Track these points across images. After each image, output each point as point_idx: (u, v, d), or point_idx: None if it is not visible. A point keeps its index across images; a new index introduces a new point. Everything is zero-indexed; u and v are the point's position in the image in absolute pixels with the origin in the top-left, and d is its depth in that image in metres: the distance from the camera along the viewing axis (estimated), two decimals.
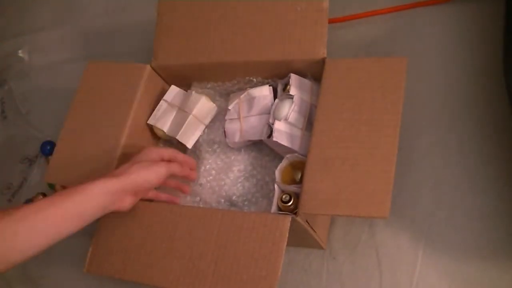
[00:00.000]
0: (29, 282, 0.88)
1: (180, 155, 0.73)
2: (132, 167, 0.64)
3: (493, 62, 0.72)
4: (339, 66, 0.67)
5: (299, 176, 0.67)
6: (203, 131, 0.79)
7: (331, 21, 0.74)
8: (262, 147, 0.77)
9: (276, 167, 0.69)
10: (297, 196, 0.65)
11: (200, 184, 0.77)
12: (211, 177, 0.77)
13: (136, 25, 1.05)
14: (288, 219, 0.60)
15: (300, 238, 0.67)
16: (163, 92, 0.81)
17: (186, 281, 0.62)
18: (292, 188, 0.65)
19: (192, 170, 0.75)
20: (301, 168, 0.67)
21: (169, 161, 0.70)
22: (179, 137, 0.77)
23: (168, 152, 0.71)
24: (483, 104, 0.72)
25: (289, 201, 0.64)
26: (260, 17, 0.74)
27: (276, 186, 0.67)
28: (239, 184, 0.75)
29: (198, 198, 0.76)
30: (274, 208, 0.66)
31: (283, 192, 0.66)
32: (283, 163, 0.69)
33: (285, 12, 0.72)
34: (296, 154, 0.68)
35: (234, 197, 0.74)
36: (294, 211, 0.64)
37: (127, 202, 0.65)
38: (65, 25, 1.15)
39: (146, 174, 0.65)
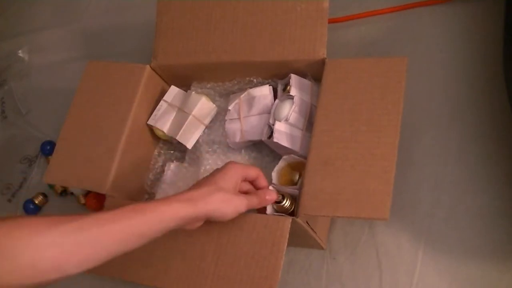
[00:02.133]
0: None
1: (262, 180, 0.67)
2: (213, 197, 0.59)
3: (493, 62, 0.72)
4: (339, 66, 0.67)
5: (297, 177, 0.67)
6: (203, 131, 0.79)
7: (331, 21, 0.74)
8: (262, 147, 0.76)
9: None
10: (292, 197, 0.64)
11: None
12: None
13: (136, 25, 1.05)
14: (288, 220, 0.60)
15: (300, 239, 0.67)
16: (163, 92, 0.81)
17: (186, 281, 0.62)
18: (288, 190, 0.65)
19: (268, 197, 0.66)
20: (299, 169, 0.67)
21: (253, 180, 0.66)
22: (179, 138, 0.77)
23: (253, 172, 0.65)
24: (483, 104, 0.72)
25: (282, 200, 0.64)
26: (260, 17, 0.74)
27: (271, 187, 0.67)
28: None
29: None
30: (269, 210, 0.66)
31: (278, 192, 0.66)
32: (280, 164, 0.69)
33: (285, 12, 0.72)
34: (293, 155, 0.68)
35: None
36: (289, 210, 0.64)
37: (195, 226, 0.61)
38: (65, 25, 1.14)
39: (225, 208, 0.60)
